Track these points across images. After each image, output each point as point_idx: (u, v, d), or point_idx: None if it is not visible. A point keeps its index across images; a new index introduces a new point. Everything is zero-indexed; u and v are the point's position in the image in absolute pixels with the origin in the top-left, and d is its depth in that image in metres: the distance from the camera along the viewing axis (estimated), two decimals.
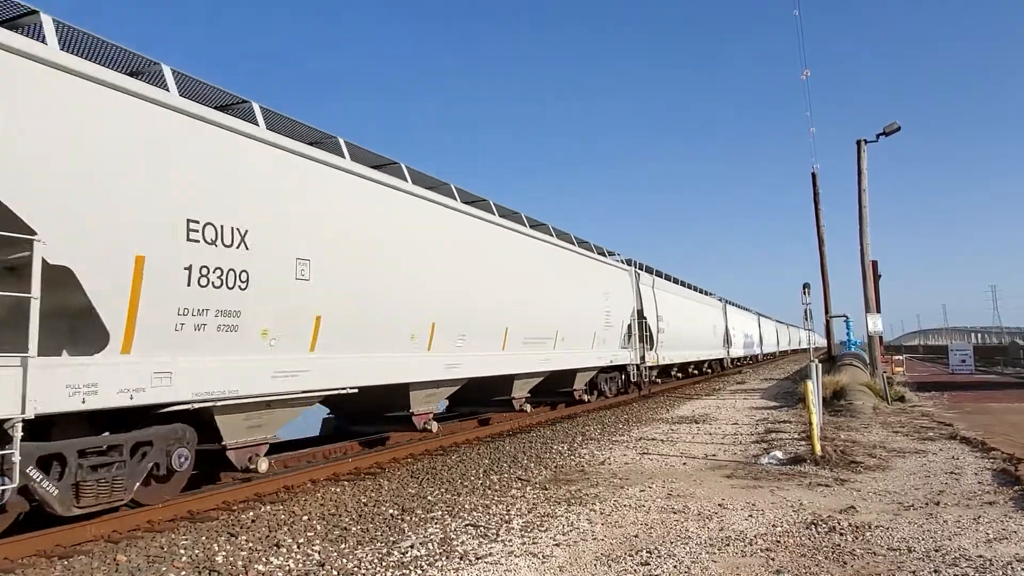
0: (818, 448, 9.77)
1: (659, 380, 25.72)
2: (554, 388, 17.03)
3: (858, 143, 22.45)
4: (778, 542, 5.96)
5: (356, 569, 5.57)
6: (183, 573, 5.61)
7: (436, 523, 6.96)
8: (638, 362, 21.28)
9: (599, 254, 19.66)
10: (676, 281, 29.28)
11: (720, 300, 38.95)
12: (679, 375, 30.51)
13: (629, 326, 20.68)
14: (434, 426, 11.62)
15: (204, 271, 7.08)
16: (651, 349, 22.39)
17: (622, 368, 20.69)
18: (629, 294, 21.02)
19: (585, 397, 18.72)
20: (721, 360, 38.22)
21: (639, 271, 22.47)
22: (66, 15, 6.44)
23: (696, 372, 34.01)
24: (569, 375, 17.20)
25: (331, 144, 9.53)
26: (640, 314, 21.51)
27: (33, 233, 5.66)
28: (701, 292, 34.76)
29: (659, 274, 25.93)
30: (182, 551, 6.15)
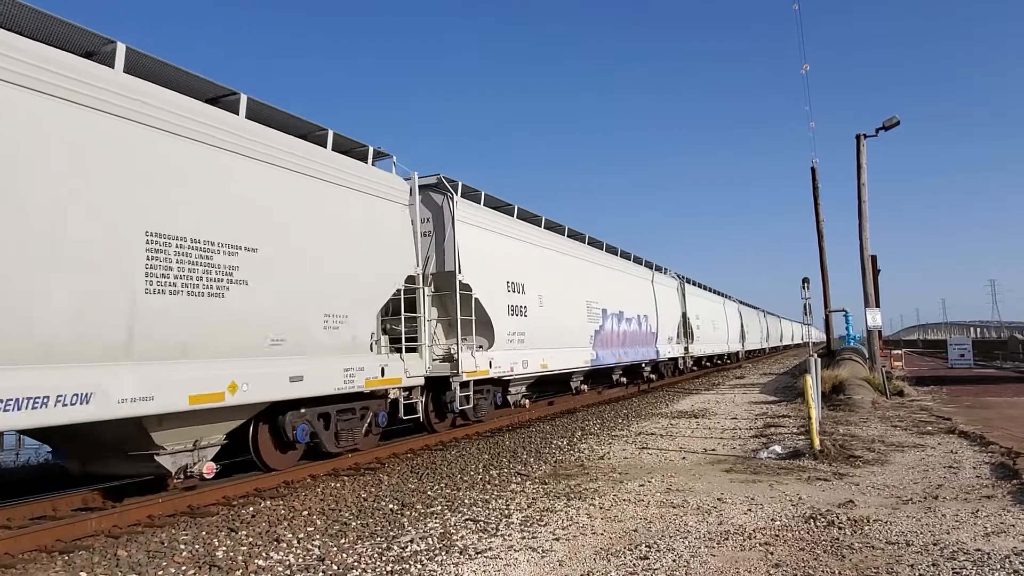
0: (817, 442, 9.79)
1: None
2: None
3: (857, 138, 22.39)
4: (777, 536, 5.98)
5: (356, 564, 5.58)
6: (184, 568, 5.62)
7: (436, 518, 6.98)
8: None
9: None
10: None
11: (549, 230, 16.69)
12: None
13: None
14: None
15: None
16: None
17: None
18: None
19: None
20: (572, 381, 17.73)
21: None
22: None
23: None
24: None
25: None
26: None
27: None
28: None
29: None
30: (182, 546, 6.17)
